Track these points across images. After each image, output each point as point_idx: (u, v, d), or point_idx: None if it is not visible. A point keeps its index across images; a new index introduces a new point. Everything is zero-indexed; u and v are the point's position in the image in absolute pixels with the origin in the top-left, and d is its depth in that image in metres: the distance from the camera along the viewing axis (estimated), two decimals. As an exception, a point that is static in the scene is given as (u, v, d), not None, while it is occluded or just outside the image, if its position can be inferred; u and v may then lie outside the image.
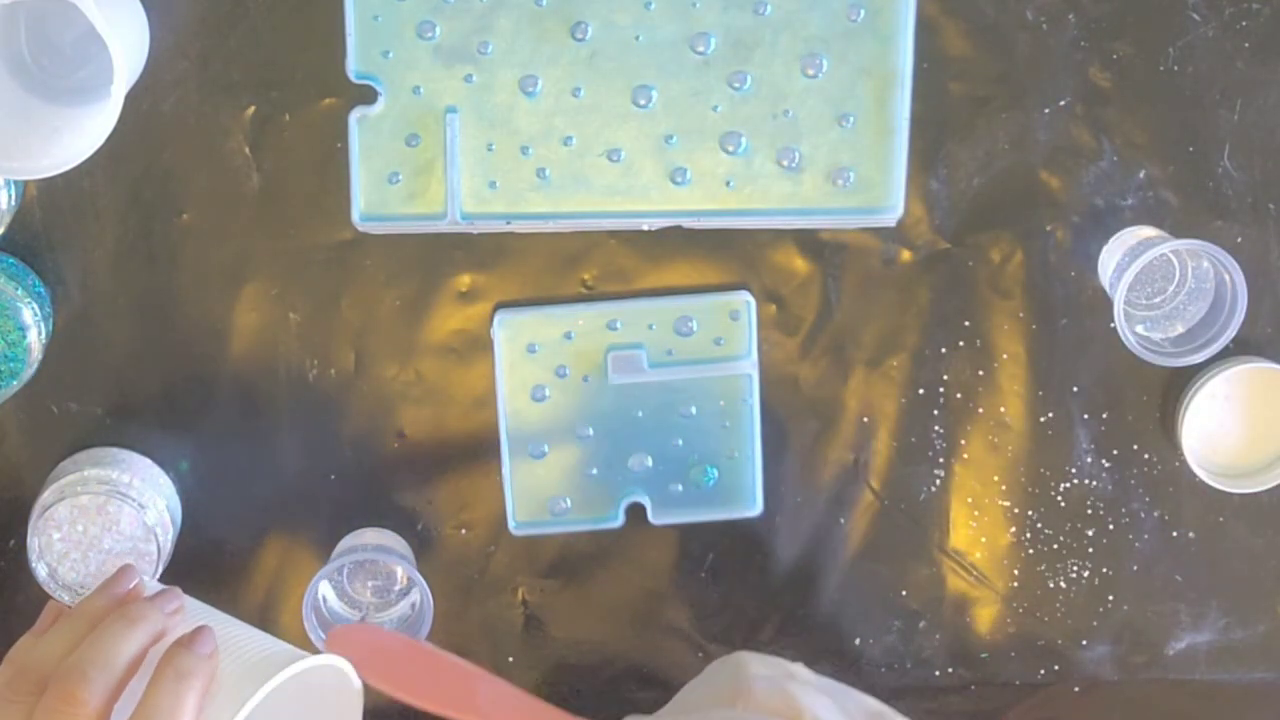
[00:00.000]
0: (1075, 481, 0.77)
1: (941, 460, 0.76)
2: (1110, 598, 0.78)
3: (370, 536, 0.74)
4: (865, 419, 0.76)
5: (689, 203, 0.72)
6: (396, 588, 0.75)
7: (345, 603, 0.75)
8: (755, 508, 0.76)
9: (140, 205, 0.71)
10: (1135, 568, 0.78)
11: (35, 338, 0.68)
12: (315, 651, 0.55)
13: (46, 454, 0.73)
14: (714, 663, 0.68)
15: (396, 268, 0.72)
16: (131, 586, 0.56)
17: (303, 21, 0.69)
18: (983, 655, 0.79)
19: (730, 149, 0.71)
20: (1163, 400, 0.76)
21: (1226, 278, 0.70)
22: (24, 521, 0.69)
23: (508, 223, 0.72)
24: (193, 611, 0.56)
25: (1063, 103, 0.72)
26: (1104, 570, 0.78)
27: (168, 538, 0.70)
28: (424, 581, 0.70)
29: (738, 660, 0.64)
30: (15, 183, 0.69)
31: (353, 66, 0.69)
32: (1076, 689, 0.79)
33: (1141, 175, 0.73)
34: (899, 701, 0.79)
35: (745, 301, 0.73)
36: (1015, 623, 0.78)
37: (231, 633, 0.55)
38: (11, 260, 0.70)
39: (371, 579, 0.75)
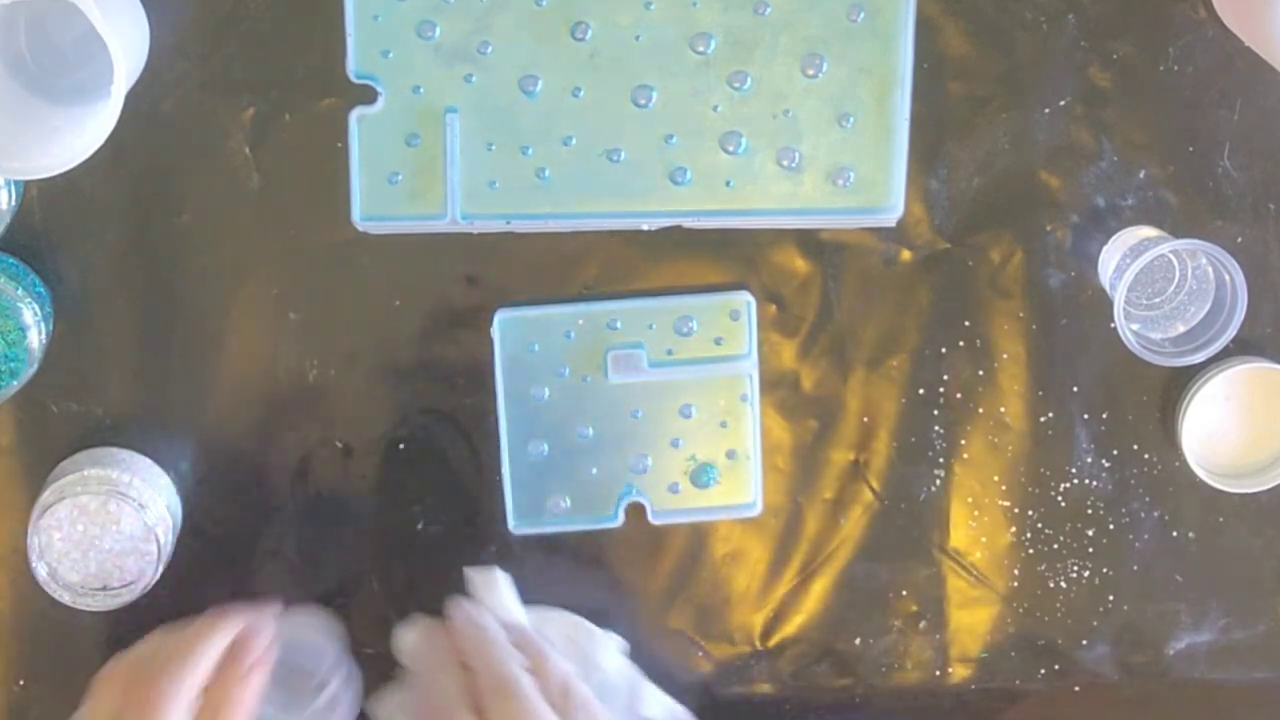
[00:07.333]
0: (1075, 481, 0.77)
1: (941, 460, 0.76)
2: (1110, 598, 0.78)
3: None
4: (865, 419, 0.76)
5: (689, 203, 0.72)
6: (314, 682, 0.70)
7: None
8: (755, 508, 0.76)
9: (140, 205, 0.71)
10: (1135, 568, 0.78)
11: (35, 338, 0.68)
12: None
13: (46, 454, 0.72)
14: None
15: (396, 268, 0.72)
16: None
17: (303, 21, 0.69)
18: (983, 655, 0.79)
19: (730, 149, 0.71)
20: (1163, 400, 0.76)
21: (1226, 278, 0.70)
22: (24, 521, 0.69)
23: (508, 222, 0.72)
24: None
25: (1063, 103, 0.72)
26: (1104, 570, 0.77)
27: (168, 538, 0.70)
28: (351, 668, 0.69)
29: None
30: (15, 183, 0.69)
31: (353, 66, 0.69)
32: (1076, 689, 0.79)
33: (1141, 175, 0.73)
34: (900, 702, 0.79)
35: (745, 301, 0.73)
36: (1015, 623, 0.78)
37: None
38: (11, 260, 0.70)
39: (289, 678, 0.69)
